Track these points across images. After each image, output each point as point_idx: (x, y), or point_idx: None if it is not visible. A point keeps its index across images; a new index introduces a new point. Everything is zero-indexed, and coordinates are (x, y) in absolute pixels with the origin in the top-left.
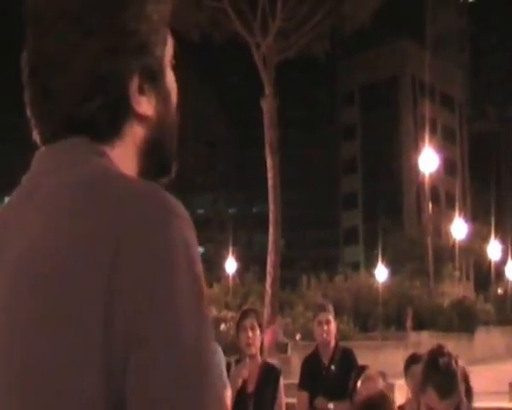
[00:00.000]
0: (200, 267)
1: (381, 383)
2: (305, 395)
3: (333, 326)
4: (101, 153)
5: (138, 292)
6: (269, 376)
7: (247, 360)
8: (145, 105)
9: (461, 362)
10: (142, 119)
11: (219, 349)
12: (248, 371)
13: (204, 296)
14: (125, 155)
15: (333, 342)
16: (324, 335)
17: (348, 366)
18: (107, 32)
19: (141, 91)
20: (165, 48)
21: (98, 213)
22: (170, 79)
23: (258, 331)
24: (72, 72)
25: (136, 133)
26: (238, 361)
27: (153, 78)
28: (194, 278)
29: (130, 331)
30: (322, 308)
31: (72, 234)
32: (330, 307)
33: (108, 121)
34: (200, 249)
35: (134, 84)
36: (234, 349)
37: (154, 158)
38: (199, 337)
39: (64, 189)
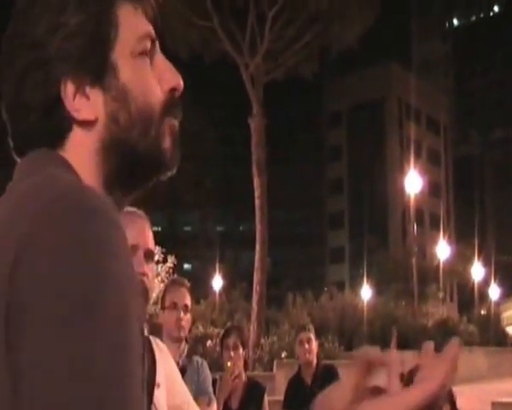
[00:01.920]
0: (118, 268)
1: None
2: None
3: (314, 345)
4: (58, 163)
5: (29, 290)
6: (253, 393)
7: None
8: (87, 109)
9: None
10: (87, 124)
11: (205, 364)
12: (233, 389)
13: (116, 296)
14: (79, 163)
15: (315, 361)
16: (306, 354)
17: (331, 381)
18: (23, 50)
19: (82, 95)
20: (111, 45)
21: (11, 213)
22: (128, 75)
23: (240, 350)
24: (5, 97)
25: (84, 139)
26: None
27: (93, 79)
28: (97, 278)
29: (19, 329)
30: (303, 328)
31: None
32: (311, 327)
33: (46, 135)
34: (188, 266)
35: (67, 90)
36: (220, 366)
37: (121, 158)
38: (76, 358)
39: (8, 198)
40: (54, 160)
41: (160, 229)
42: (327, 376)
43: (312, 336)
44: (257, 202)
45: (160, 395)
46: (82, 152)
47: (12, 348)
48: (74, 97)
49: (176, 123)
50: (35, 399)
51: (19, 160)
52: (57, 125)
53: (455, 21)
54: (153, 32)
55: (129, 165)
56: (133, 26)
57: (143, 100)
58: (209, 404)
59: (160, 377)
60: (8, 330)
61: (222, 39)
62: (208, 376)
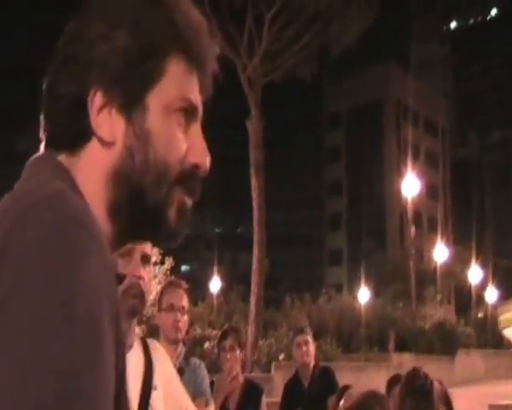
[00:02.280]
0: (93, 283)
1: None
2: None
3: (311, 347)
4: (55, 166)
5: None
6: (251, 394)
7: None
8: (107, 128)
9: (439, 384)
10: (103, 142)
11: (202, 365)
12: (230, 390)
13: (80, 315)
14: (86, 175)
15: (312, 363)
16: (304, 356)
17: (328, 383)
18: (69, 44)
19: (106, 113)
20: (150, 87)
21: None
22: (156, 123)
23: (237, 352)
24: (44, 89)
25: (99, 156)
26: (220, 381)
27: (122, 105)
28: (69, 287)
29: None
30: (300, 331)
31: None
32: (308, 330)
33: (63, 139)
34: (186, 268)
35: (94, 101)
36: (218, 367)
37: (128, 193)
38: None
39: (4, 199)
40: (52, 165)
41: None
42: (324, 378)
43: (310, 338)
44: (255, 203)
45: (156, 398)
46: (94, 167)
47: None
48: (99, 112)
49: (188, 201)
50: None
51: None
52: (79, 128)
53: (453, 24)
54: (197, 101)
55: (133, 206)
56: (179, 84)
57: (163, 155)
58: (207, 405)
59: (156, 380)
60: None
61: (220, 41)
62: (206, 377)
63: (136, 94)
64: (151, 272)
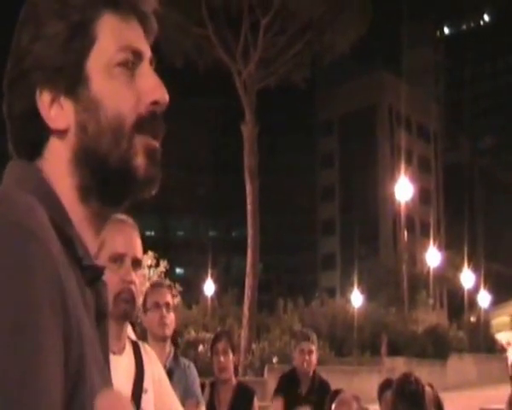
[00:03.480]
0: (30, 287)
1: (355, 407)
2: (280, 400)
3: (314, 357)
4: (22, 172)
5: None
6: (243, 397)
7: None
8: (59, 119)
9: (430, 388)
10: (60, 133)
11: (192, 366)
12: (222, 394)
13: (16, 320)
14: (54, 172)
15: (312, 372)
16: (305, 364)
17: (324, 396)
18: (10, 68)
19: (57, 106)
20: (84, 56)
21: None
22: (100, 86)
23: (230, 355)
24: (5, 115)
25: (60, 149)
26: (213, 384)
27: (67, 90)
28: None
29: None
30: (306, 337)
31: None
32: (314, 338)
33: (25, 145)
34: (180, 271)
35: (44, 101)
36: (212, 370)
37: (91, 170)
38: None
39: None
40: (17, 169)
41: (152, 233)
42: (321, 391)
43: (314, 348)
44: (249, 207)
45: (147, 401)
46: (58, 162)
47: None
48: (50, 107)
49: (153, 142)
50: None
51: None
52: (35, 135)
53: (446, 30)
54: (139, 44)
55: (100, 176)
56: (115, 38)
57: (114, 110)
58: (197, 406)
59: (147, 383)
60: None
61: (216, 47)
62: (196, 378)
63: (75, 72)
64: (142, 276)
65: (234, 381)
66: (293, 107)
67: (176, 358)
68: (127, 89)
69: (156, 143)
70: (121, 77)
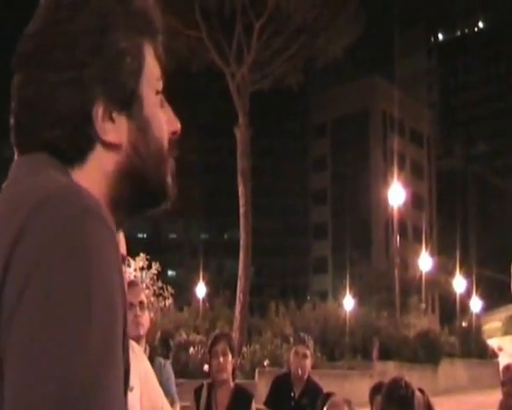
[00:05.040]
0: (105, 263)
1: None
2: None
3: (308, 361)
4: (57, 167)
5: (22, 278)
6: (241, 400)
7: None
8: (113, 133)
9: (421, 393)
10: (110, 147)
11: (168, 365)
12: (219, 396)
13: (102, 297)
14: (89, 181)
15: (306, 377)
16: (299, 368)
17: (315, 401)
18: (64, 65)
19: (108, 119)
20: (144, 75)
21: (13, 205)
22: (151, 107)
23: (229, 357)
24: (38, 104)
25: (103, 160)
26: (210, 385)
27: (122, 105)
28: (85, 275)
29: (9, 318)
30: (302, 341)
31: None
32: (310, 343)
33: (71, 148)
34: (172, 273)
35: (98, 112)
36: (202, 372)
37: (131, 186)
38: (77, 340)
39: (8, 195)
40: (53, 163)
41: (145, 236)
42: (314, 395)
43: (309, 352)
44: (241, 210)
45: (132, 399)
46: (97, 170)
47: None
48: (103, 119)
49: (173, 164)
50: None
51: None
52: (83, 141)
53: (440, 36)
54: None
55: (138, 193)
56: (153, 66)
57: (159, 135)
58: (172, 405)
59: (133, 381)
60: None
61: (209, 49)
62: (171, 376)
63: (132, 90)
64: (127, 273)
65: (231, 384)
66: (286, 110)
67: (151, 357)
68: (163, 117)
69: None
70: (158, 104)
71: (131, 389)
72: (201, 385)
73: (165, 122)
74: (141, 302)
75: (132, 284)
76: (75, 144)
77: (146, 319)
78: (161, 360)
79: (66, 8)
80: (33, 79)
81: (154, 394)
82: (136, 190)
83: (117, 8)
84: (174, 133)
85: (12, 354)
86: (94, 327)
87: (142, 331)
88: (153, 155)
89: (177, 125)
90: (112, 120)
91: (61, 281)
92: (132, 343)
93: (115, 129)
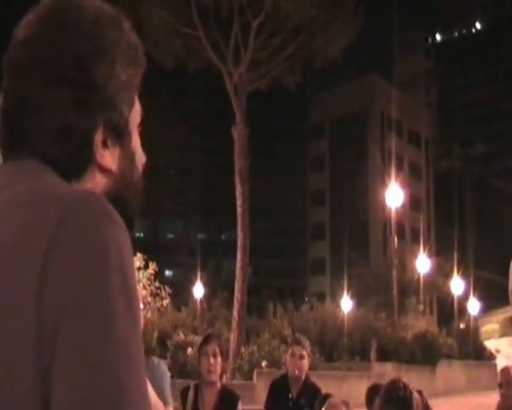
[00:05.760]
0: (131, 272)
1: None
2: None
3: (305, 362)
4: (55, 174)
5: (69, 285)
6: (227, 401)
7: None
8: (108, 158)
9: (419, 394)
10: (104, 171)
11: (162, 365)
12: (206, 397)
13: (135, 299)
14: None
15: (303, 377)
16: (296, 369)
17: (313, 401)
18: (77, 85)
19: (104, 145)
20: (132, 110)
21: (37, 210)
22: (136, 141)
23: (219, 358)
24: (41, 117)
25: (96, 182)
26: (197, 386)
27: (117, 134)
28: (124, 280)
29: (58, 326)
30: (298, 342)
31: (8, 229)
32: (306, 344)
33: (71, 166)
34: (169, 273)
35: (98, 136)
36: (199, 373)
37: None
38: (126, 340)
39: (11, 201)
40: (46, 169)
41: (142, 235)
42: (312, 396)
43: (305, 352)
44: (239, 210)
45: None
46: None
47: (45, 349)
48: (103, 144)
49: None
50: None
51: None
52: (82, 161)
53: (438, 37)
54: None
55: None
56: (136, 100)
57: (139, 167)
58: (165, 405)
59: None
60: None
61: (206, 48)
62: (164, 377)
63: (126, 121)
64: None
65: (219, 385)
66: (284, 110)
67: (145, 357)
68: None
69: None
70: (138, 138)
71: None
72: (188, 386)
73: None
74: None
75: None
76: (75, 162)
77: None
78: (155, 359)
79: (71, 27)
80: (35, 89)
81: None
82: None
83: (121, 39)
84: (142, 166)
85: (66, 359)
86: (134, 334)
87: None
88: (135, 183)
89: (144, 158)
90: (107, 146)
91: (105, 293)
92: None
93: (110, 155)
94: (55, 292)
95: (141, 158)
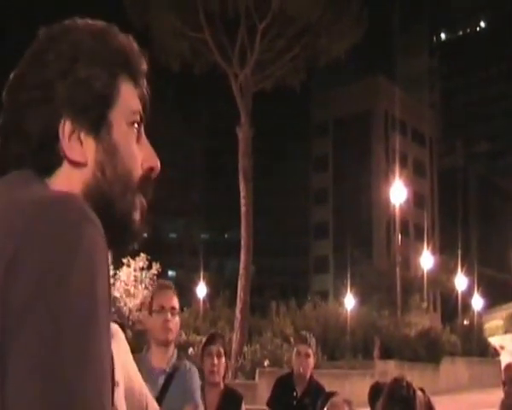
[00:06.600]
0: (103, 272)
1: None
2: None
3: (311, 360)
4: (41, 181)
5: (30, 280)
6: (230, 402)
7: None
8: (78, 151)
9: (422, 392)
10: (75, 164)
11: (194, 369)
12: (209, 397)
13: (100, 301)
14: None
15: (308, 376)
16: (301, 368)
17: (317, 400)
18: (34, 87)
19: (76, 139)
20: (120, 103)
21: (10, 212)
22: (120, 136)
23: (223, 359)
24: (6, 124)
25: (73, 177)
26: (200, 386)
27: (90, 127)
28: (91, 280)
29: (13, 320)
30: (304, 340)
31: None
32: (312, 342)
33: (36, 164)
34: (172, 273)
35: (64, 130)
36: (202, 373)
37: (96, 208)
38: (82, 345)
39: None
40: (36, 179)
41: (145, 235)
42: (316, 394)
43: (311, 351)
44: (243, 210)
45: (119, 395)
46: (66, 187)
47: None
48: (70, 138)
49: (145, 202)
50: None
51: None
52: (50, 158)
53: (442, 36)
54: (141, 112)
55: (103, 219)
56: (130, 100)
57: (127, 163)
58: (195, 407)
59: (118, 376)
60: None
61: (212, 50)
62: (195, 382)
63: (101, 115)
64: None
65: (222, 385)
66: (288, 110)
67: (178, 361)
68: (136, 149)
69: (145, 203)
70: (133, 136)
71: (117, 384)
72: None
73: (139, 155)
74: (173, 308)
75: (165, 287)
76: (40, 160)
77: (176, 324)
78: (188, 363)
79: (46, 41)
80: (9, 101)
81: (138, 391)
82: (101, 216)
83: (92, 42)
84: (151, 169)
85: (21, 358)
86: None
87: (171, 337)
88: (119, 179)
89: (156, 163)
90: (79, 140)
91: (70, 289)
92: (114, 327)
93: (81, 147)
94: (16, 292)
95: (132, 155)
